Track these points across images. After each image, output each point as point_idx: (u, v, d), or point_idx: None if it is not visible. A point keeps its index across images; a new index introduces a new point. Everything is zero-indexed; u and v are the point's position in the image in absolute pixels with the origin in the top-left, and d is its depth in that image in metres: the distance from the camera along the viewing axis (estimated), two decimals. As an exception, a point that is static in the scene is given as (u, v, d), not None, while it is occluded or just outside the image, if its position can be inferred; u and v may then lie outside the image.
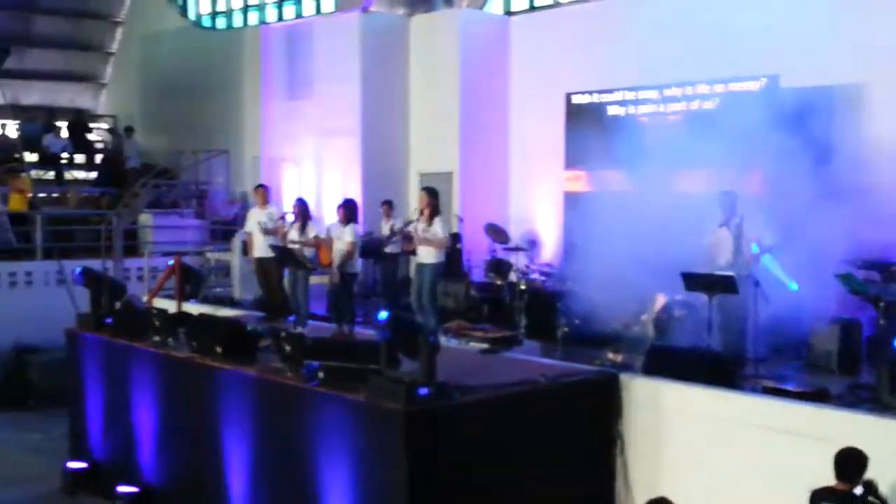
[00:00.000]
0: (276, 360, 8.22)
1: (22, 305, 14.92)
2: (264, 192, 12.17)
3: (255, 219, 11.92)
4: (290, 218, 11.59)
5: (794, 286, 9.59)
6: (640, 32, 13.40)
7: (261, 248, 11.77)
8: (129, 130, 20.82)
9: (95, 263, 13.96)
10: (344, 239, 10.63)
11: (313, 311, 11.32)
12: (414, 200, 15.35)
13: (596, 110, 13.73)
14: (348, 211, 10.84)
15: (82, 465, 10.39)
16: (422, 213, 10.17)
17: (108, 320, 10.50)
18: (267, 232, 11.68)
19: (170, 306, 10.79)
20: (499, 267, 12.89)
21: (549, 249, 14.60)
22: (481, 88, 15.83)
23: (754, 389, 7.94)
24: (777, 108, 10.43)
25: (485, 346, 9.82)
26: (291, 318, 11.03)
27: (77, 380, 10.78)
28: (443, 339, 8.92)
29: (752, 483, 7.28)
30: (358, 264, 11.05)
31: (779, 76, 11.60)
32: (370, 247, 13.10)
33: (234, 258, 14.43)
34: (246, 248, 12.74)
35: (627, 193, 12.33)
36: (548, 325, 10.51)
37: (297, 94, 17.65)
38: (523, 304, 11.37)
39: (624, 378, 8.19)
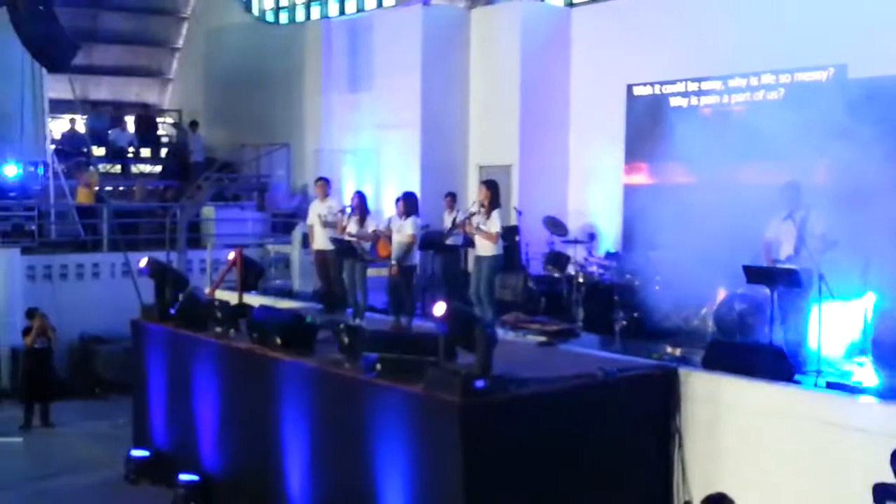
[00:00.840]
0: (334, 351, 8.30)
1: (89, 296, 15.29)
2: (325, 185, 12.28)
3: (316, 211, 12.04)
4: (349, 210, 11.66)
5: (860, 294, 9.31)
6: (703, 22, 13.25)
7: (321, 240, 11.89)
8: (193, 125, 21.14)
9: (160, 255, 14.22)
10: (404, 232, 10.67)
11: (372, 304, 11.40)
12: (473, 193, 15.38)
13: (657, 102, 13.61)
14: (409, 204, 10.87)
15: (145, 453, 10.60)
16: (482, 205, 10.19)
17: (172, 311, 10.69)
18: (327, 224, 11.79)
19: (231, 298, 10.95)
20: (557, 260, 12.85)
21: (608, 242, 14.50)
22: (541, 80, 15.76)
23: (817, 385, 7.80)
24: (845, 98, 10.19)
25: (542, 338, 9.80)
26: (349, 310, 11.12)
27: (141, 369, 11.01)
28: (500, 332, 8.90)
29: (813, 480, 7.16)
30: (416, 257, 11.09)
31: (846, 66, 11.35)
32: (429, 239, 13.13)
33: (294, 250, 14.58)
34: (306, 241, 12.87)
35: (689, 186, 12.19)
36: (606, 318, 10.44)
37: (357, 87, 17.76)
38: (581, 297, 11.33)
39: (683, 372, 8.11)
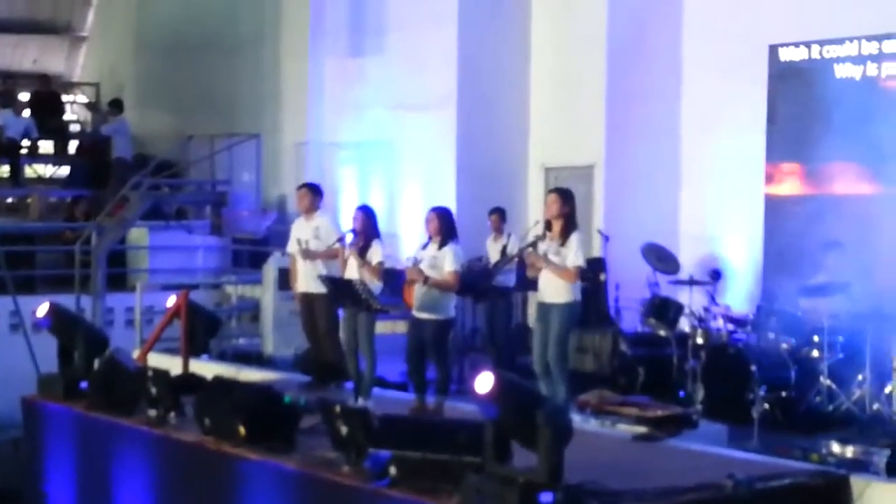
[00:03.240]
0: (326, 446, 8.34)
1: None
2: (311, 195, 12.31)
3: (297, 235, 12.08)
4: (351, 236, 11.68)
5: None
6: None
7: (306, 278, 11.92)
8: (116, 105, 21.31)
9: (67, 300, 14.34)
10: (442, 267, 10.63)
11: (383, 376, 11.42)
12: (535, 207, 15.39)
13: (816, 71, 13.58)
14: (445, 225, 10.82)
15: None
16: (549, 226, 10.19)
17: (84, 385, 10.76)
18: (309, 255, 11.80)
19: (172, 365, 11.01)
20: (663, 310, 12.81)
21: (742, 283, 14.45)
22: (640, 40, 15.76)
23: None
24: None
25: (641, 429, 9.82)
26: (349, 384, 11.15)
27: (37, 471, 11.08)
28: (576, 419, 8.92)
29: None
30: (452, 306, 11.08)
31: None
32: (467, 279, 13.11)
33: (267, 294, 14.65)
34: (284, 280, 12.93)
35: (867, 199, 12.15)
36: (738, 399, 10.44)
37: (362, 49, 17.88)
38: (700, 367, 11.29)
39: (858, 482, 8.08)
